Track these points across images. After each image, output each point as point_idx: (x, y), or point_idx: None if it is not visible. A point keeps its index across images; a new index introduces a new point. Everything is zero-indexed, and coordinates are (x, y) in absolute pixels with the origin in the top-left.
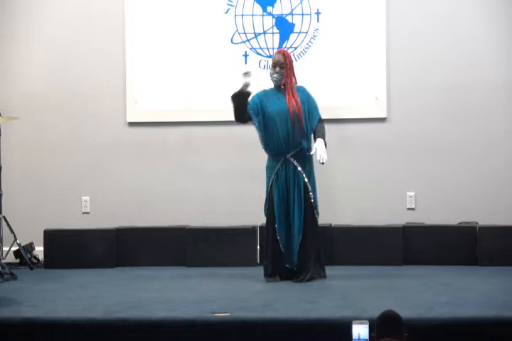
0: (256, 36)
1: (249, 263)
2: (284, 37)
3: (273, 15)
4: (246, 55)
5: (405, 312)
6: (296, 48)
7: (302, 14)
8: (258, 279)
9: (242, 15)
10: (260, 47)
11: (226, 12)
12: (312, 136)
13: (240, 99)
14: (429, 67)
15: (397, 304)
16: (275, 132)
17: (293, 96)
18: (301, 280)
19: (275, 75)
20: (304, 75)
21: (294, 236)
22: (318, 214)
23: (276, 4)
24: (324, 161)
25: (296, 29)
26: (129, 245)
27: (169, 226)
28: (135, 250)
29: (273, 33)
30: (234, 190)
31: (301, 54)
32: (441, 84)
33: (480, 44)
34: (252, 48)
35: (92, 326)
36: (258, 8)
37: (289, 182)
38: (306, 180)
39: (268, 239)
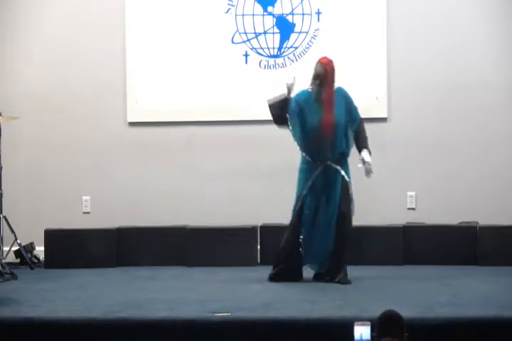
0: (256, 36)
1: (249, 263)
2: (284, 37)
3: (273, 15)
4: (246, 55)
5: (405, 312)
6: (296, 48)
7: (303, 14)
8: (258, 279)
9: (243, 14)
10: (261, 47)
11: (227, 12)
12: (354, 140)
13: (280, 105)
14: (430, 67)
15: (397, 304)
16: (314, 143)
17: (330, 111)
18: (337, 281)
19: (314, 88)
20: (304, 75)
21: (324, 239)
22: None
23: (277, 4)
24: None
25: (297, 29)
26: (130, 245)
27: (169, 226)
28: (135, 250)
29: (273, 33)
30: (234, 190)
31: (302, 54)
32: (442, 84)
33: (480, 44)
34: (253, 48)
35: (92, 326)
36: (259, 8)
37: (327, 187)
38: (348, 184)
39: (288, 239)
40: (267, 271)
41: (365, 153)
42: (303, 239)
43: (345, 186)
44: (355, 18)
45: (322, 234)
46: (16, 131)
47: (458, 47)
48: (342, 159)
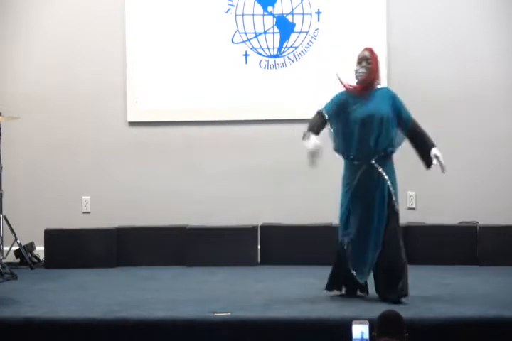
0: (256, 36)
1: (249, 263)
2: (284, 36)
3: (273, 15)
4: (246, 55)
5: (405, 312)
6: (296, 48)
7: (303, 14)
8: (258, 279)
9: (243, 14)
10: (261, 47)
11: (227, 12)
12: (414, 142)
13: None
14: (430, 67)
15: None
16: (358, 138)
17: (380, 97)
18: (391, 299)
19: (361, 70)
20: (304, 75)
21: (370, 248)
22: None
23: (277, 4)
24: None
25: (297, 29)
26: (129, 245)
27: (169, 226)
28: (135, 250)
29: (273, 33)
30: (234, 189)
31: (302, 53)
32: (442, 84)
33: (480, 44)
34: (253, 48)
35: (92, 326)
36: (259, 8)
37: (371, 191)
38: (391, 188)
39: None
40: (267, 270)
41: (436, 150)
42: (352, 249)
43: (390, 194)
44: (355, 18)
45: (371, 243)
46: (15, 131)
47: (458, 48)
48: (386, 159)
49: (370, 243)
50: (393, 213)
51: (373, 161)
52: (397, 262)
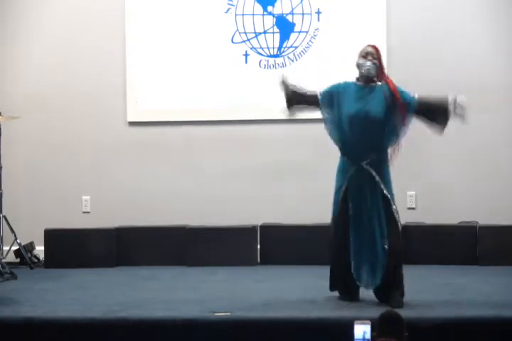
0: (256, 36)
1: (249, 263)
2: (284, 36)
3: (273, 15)
4: (246, 55)
5: (405, 312)
6: (296, 48)
7: (303, 14)
8: (258, 279)
9: (243, 14)
10: (261, 47)
11: (226, 11)
12: (425, 113)
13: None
14: (429, 67)
15: None
16: (351, 136)
17: (378, 97)
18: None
19: (368, 63)
20: (304, 75)
21: (375, 252)
22: (400, 223)
23: (277, 4)
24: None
25: (297, 28)
26: (129, 244)
27: (169, 225)
28: (135, 249)
29: (273, 33)
30: (234, 189)
31: (302, 53)
32: (441, 84)
33: (480, 44)
34: (253, 48)
35: (92, 326)
36: (258, 8)
37: (364, 193)
38: (385, 191)
39: (338, 254)
40: (267, 270)
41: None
42: (352, 252)
43: (385, 196)
44: (355, 18)
45: (377, 247)
46: (15, 131)
47: (458, 48)
48: (379, 163)
49: (373, 248)
50: (391, 214)
51: (365, 163)
52: (397, 269)
